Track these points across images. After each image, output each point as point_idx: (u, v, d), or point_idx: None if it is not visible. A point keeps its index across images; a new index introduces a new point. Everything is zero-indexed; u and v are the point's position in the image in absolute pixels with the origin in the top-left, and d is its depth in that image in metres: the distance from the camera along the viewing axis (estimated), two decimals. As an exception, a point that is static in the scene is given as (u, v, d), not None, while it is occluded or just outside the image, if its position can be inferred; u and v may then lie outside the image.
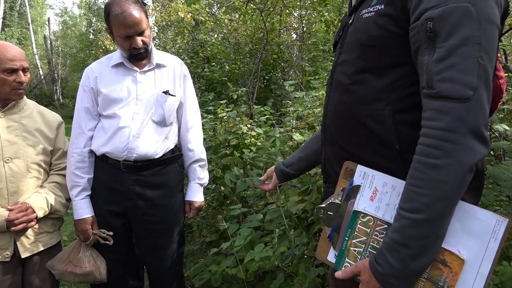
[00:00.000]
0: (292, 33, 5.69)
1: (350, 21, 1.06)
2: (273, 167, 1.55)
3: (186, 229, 3.22)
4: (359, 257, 0.97)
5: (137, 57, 1.80)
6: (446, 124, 0.78)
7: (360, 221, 0.97)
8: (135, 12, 1.70)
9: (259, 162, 2.37)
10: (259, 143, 2.78)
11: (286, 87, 2.88)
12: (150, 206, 1.88)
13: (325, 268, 1.52)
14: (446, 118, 0.79)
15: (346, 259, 0.99)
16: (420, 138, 0.84)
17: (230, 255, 1.98)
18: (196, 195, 2.04)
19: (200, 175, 2.05)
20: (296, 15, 4.76)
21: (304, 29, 4.70)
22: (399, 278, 0.83)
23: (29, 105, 1.89)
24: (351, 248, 0.98)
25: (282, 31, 5.15)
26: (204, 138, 2.92)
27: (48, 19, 28.48)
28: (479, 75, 0.78)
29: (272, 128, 2.88)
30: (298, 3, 4.63)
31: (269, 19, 4.37)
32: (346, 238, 0.99)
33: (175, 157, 1.97)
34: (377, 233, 0.94)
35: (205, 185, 2.12)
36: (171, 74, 1.94)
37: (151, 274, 2.05)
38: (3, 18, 21.46)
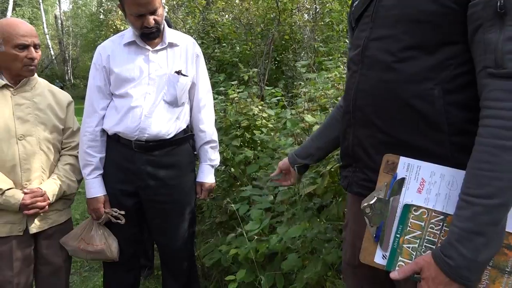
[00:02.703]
0: (304, 13, 5.59)
1: None
2: (284, 161, 1.50)
3: (197, 210, 3.25)
4: (415, 253, 0.91)
5: (149, 36, 1.78)
6: None
7: (412, 215, 0.92)
8: None
9: (270, 144, 2.35)
10: (270, 125, 2.76)
11: (298, 67, 2.84)
12: (162, 186, 1.89)
13: (340, 251, 1.51)
14: None
15: (400, 258, 0.93)
16: (485, 120, 0.81)
17: (241, 235, 1.99)
18: (207, 176, 2.04)
19: (211, 157, 2.04)
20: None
21: (318, 9, 4.61)
22: (472, 269, 0.80)
23: (41, 83, 1.89)
24: (404, 245, 0.93)
25: (294, 11, 5.06)
26: (215, 120, 2.92)
27: (59, -2, 28.38)
28: None
29: (283, 109, 2.85)
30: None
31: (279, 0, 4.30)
32: (398, 235, 0.93)
33: (187, 138, 1.97)
34: (432, 225, 0.90)
35: (216, 166, 2.12)
36: (183, 53, 1.91)
37: (163, 253, 2.07)
38: (14, -3, 21.44)
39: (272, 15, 4.55)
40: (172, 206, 1.93)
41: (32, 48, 1.73)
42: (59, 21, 27.12)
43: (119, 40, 1.88)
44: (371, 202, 0.95)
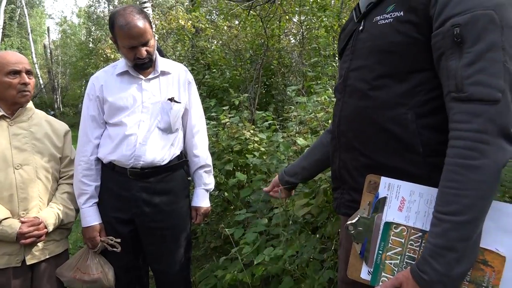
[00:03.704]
0: (291, 38, 5.72)
1: (361, 27, 1.09)
2: (276, 177, 1.57)
3: (191, 235, 3.24)
4: (396, 269, 0.95)
5: (142, 66, 1.83)
6: (478, 125, 0.82)
7: (393, 232, 0.96)
8: (140, 23, 1.73)
9: (263, 167, 2.39)
10: (262, 149, 2.80)
11: (288, 92, 2.91)
12: (157, 213, 1.90)
13: (334, 271, 1.53)
14: (479, 120, 0.82)
15: (383, 273, 0.97)
16: (451, 141, 0.86)
17: (235, 259, 2.00)
18: (202, 200, 2.05)
19: (206, 181, 2.07)
20: (295, 20, 4.80)
21: (304, 34, 4.74)
22: (446, 283, 0.83)
23: (38, 114, 1.92)
24: (387, 261, 0.97)
25: (281, 36, 5.19)
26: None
27: (48, 28, 28.60)
28: (505, 78, 0.82)
29: (274, 133, 2.90)
30: (297, 9, 4.67)
31: (269, 25, 4.42)
32: (380, 252, 0.98)
33: (181, 163, 1.99)
34: (412, 242, 0.94)
35: (211, 190, 2.14)
36: (175, 81, 1.96)
37: (159, 280, 2.06)
38: (3, 28, 21.59)
39: (260, 41, 4.66)
40: (168, 232, 1.94)
41: (24, 74, 1.77)
42: (48, 51, 27.21)
43: (112, 71, 1.92)
44: (354, 221, 1.00)
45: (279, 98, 4.60)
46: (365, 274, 1.01)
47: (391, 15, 0.97)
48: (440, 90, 0.92)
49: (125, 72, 1.88)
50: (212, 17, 7.61)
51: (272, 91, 4.80)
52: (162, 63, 1.94)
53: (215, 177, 2.72)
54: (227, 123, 3.01)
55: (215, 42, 5.62)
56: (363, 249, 1.01)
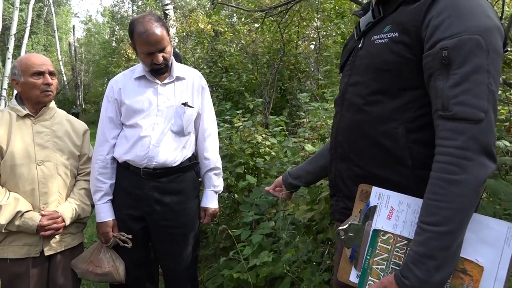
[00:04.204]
0: (310, 44, 5.77)
1: (360, 45, 1.15)
2: (280, 178, 1.63)
3: (201, 235, 3.32)
4: (382, 274, 1.01)
5: (158, 71, 1.92)
6: (461, 143, 0.87)
7: (380, 239, 1.02)
8: (157, 31, 1.82)
9: (272, 170, 2.46)
10: (273, 153, 2.87)
11: (301, 99, 2.97)
12: (168, 211, 1.99)
13: (330, 274, 1.59)
14: (462, 137, 0.87)
15: (369, 277, 1.03)
16: (436, 156, 0.92)
17: (245, 259, 2.07)
18: (211, 201, 2.13)
19: (215, 183, 2.15)
20: (313, 26, 4.86)
21: (321, 40, 4.79)
22: None
23: (59, 113, 2.04)
24: (374, 266, 1.03)
25: (299, 42, 5.25)
26: (220, 147, 3.03)
27: (73, 26, 29.32)
28: (489, 99, 0.88)
29: (286, 138, 2.96)
30: (315, 14, 4.72)
31: (286, 30, 4.49)
32: (368, 257, 1.04)
33: (192, 165, 2.08)
34: (398, 249, 1.00)
35: (220, 192, 2.22)
36: (190, 86, 2.05)
37: (167, 277, 2.15)
38: (30, 25, 22.22)
39: (277, 46, 4.74)
40: (177, 230, 2.02)
41: (47, 75, 1.89)
42: (73, 48, 27.87)
43: (130, 74, 2.02)
44: (344, 226, 1.06)
45: (294, 103, 4.67)
46: (353, 277, 1.07)
47: (387, 35, 1.03)
48: (429, 107, 0.98)
49: (142, 76, 1.98)
50: (232, 20, 7.71)
51: (287, 96, 4.86)
52: (177, 68, 2.03)
53: (226, 179, 2.80)
54: (240, 127, 3.08)
55: (234, 46, 5.72)
56: (353, 254, 1.07)
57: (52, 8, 27.81)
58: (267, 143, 2.87)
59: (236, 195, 2.87)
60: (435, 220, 0.89)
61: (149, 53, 1.87)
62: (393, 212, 1.01)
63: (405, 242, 0.99)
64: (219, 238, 2.96)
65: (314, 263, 1.73)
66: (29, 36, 23.61)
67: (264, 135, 2.97)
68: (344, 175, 1.18)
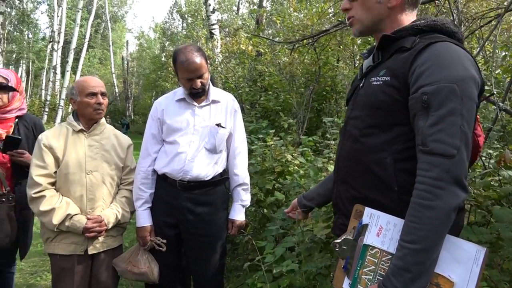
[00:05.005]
0: (346, 65, 5.90)
1: (361, 84, 1.32)
2: (296, 200, 1.80)
3: (231, 246, 3.51)
4: (369, 283, 1.16)
5: (196, 95, 2.17)
6: (436, 174, 1.02)
7: (369, 253, 1.17)
8: (197, 60, 2.07)
9: (296, 188, 2.62)
10: (302, 171, 3.02)
11: (326, 122, 3.12)
12: (199, 221, 2.20)
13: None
14: (436, 169, 1.02)
15: (359, 286, 1.18)
16: (416, 184, 1.07)
17: (267, 271, 2.23)
18: (238, 214, 2.33)
19: (243, 197, 2.34)
20: (349, 50, 5.01)
21: (356, 63, 4.93)
22: None
23: (108, 128, 2.32)
24: (363, 276, 1.17)
25: (337, 63, 5.39)
26: (253, 163, 3.23)
27: (127, 41, 30.97)
28: (461, 138, 1.03)
29: (315, 158, 3.11)
30: (350, 40, 4.86)
31: (322, 55, 4.67)
32: (358, 268, 1.19)
33: (223, 180, 2.28)
34: (383, 263, 1.14)
35: (247, 206, 2.41)
36: (223, 108, 2.27)
37: (196, 281, 2.35)
38: (89, 40, 23.79)
39: (313, 69, 4.91)
40: (206, 239, 2.23)
41: (99, 96, 2.17)
42: (125, 62, 29.39)
43: (172, 97, 2.28)
44: (339, 240, 1.22)
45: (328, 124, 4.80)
46: (346, 285, 1.22)
47: (381, 78, 1.19)
48: (414, 141, 1.12)
49: (182, 99, 2.23)
50: (274, 39, 7.97)
51: (322, 116, 5.00)
52: (213, 92, 2.26)
53: (255, 194, 2.99)
54: (272, 145, 3.27)
55: (273, 67, 5.95)
56: (346, 264, 1.22)
57: (109, 24, 29.60)
58: (296, 162, 3.03)
59: (265, 210, 3.04)
60: (411, 239, 1.03)
61: (189, 79, 2.11)
62: (382, 230, 1.16)
63: (390, 256, 1.13)
64: (247, 250, 3.14)
65: (319, 274, 1.86)
66: (87, 50, 25.26)
67: (294, 154, 3.14)
68: (343, 196, 1.34)
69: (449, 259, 1.04)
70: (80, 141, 2.17)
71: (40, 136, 2.14)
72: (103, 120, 2.29)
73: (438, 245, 1.02)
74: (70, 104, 2.24)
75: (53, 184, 2.10)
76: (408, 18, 1.25)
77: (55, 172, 2.10)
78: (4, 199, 2.23)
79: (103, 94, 2.20)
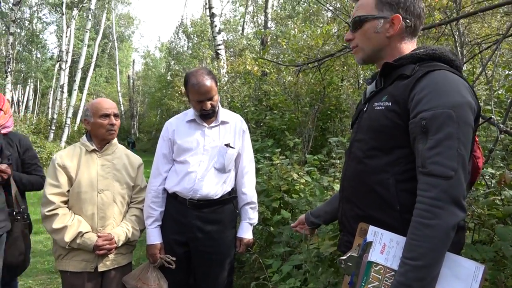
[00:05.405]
0: (351, 85, 6.00)
1: (365, 108, 1.39)
2: (303, 216, 1.85)
3: (238, 264, 3.54)
4: None
5: (206, 116, 2.25)
6: (435, 194, 1.09)
7: (373, 270, 1.22)
8: (207, 82, 2.16)
9: (302, 205, 2.67)
10: (307, 190, 3.07)
11: (331, 142, 3.19)
12: (208, 239, 2.24)
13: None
14: (435, 190, 1.09)
15: None
16: (416, 204, 1.13)
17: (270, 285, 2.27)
18: (246, 232, 2.38)
19: (251, 216, 2.40)
20: (353, 70, 5.12)
21: (360, 83, 5.03)
22: None
23: (119, 148, 2.40)
24: None
25: (341, 83, 5.50)
26: (259, 182, 3.29)
27: (133, 61, 31.44)
28: (458, 161, 1.10)
29: (320, 176, 3.17)
30: (354, 61, 4.96)
31: (326, 75, 4.78)
32: (363, 284, 1.23)
33: (231, 199, 2.34)
34: (387, 279, 1.19)
35: (255, 224, 2.46)
36: (232, 129, 2.35)
37: (204, 298, 2.38)
38: (96, 59, 24.22)
39: (318, 89, 5.01)
40: (215, 256, 2.27)
41: (112, 117, 2.26)
42: (131, 81, 29.76)
43: (183, 117, 2.36)
44: (344, 257, 1.27)
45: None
46: None
47: (384, 103, 1.27)
48: (415, 163, 1.19)
49: (193, 120, 2.31)
50: (280, 59, 8.12)
51: (327, 135, 5.08)
52: (223, 113, 2.34)
53: (262, 212, 3.03)
54: (278, 164, 3.33)
55: (278, 87, 6.07)
56: (351, 280, 1.27)
57: (116, 44, 30.15)
58: (302, 180, 3.09)
59: (271, 228, 3.08)
60: (412, 256, 1.09)
61: (200, 101, 2.20)
62: (385, 248, 1.21)
63: (393, 273, 1.18)
64: (254, 268, 3.17)
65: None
66: (93, 69, 25.68)
67: (300, 173, 3.20)
68: (348, 215, 1.40)
69: (450, 275, 1.09)
70: (93, 160, 2.25)
71: (54, 156, 2.22)
72: (115, 140, 2.37)
73: (438, 262, 1.08)
74: (84, 125, 2.31)
75: (66, 202, 2.17)
76: (408, 46, 1.33)
77: (68, 190, 2.16)
78: (19, 217, 2.30)
79: (115, 115, 2.29)
